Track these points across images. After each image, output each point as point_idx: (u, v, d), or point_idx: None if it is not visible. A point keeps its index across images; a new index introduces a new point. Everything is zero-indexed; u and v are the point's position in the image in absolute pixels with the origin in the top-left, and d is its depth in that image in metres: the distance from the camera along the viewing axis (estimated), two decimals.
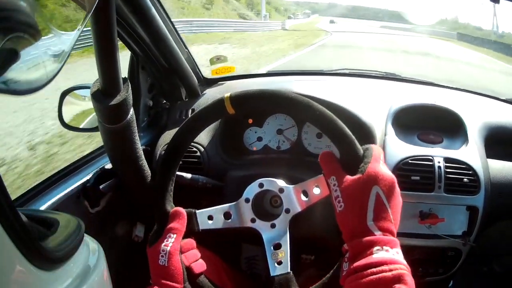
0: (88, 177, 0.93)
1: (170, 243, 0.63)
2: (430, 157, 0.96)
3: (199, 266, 0.67)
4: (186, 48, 1.16)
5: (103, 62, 0.73)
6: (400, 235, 0.55)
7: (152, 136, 1.15)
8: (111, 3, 0.66)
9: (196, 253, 0.68)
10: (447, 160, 0.96)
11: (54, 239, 0.41)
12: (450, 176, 0.95)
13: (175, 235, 0.65)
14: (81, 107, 1.00)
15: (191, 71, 1.19)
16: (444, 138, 1.04)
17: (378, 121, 1.05)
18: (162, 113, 1.22)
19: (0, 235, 0.33)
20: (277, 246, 0.66)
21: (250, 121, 1.14)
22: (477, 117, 1.08)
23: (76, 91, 0.98)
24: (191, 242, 0.68)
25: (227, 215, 0.69)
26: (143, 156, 0.92)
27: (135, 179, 0.93)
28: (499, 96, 1.27)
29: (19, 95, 0.34)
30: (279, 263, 0.64)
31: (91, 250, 0.48)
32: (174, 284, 0.61)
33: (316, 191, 0.64)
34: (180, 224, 0.66)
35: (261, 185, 0.69)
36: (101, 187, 0.92)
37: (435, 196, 0.95)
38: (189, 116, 1.15)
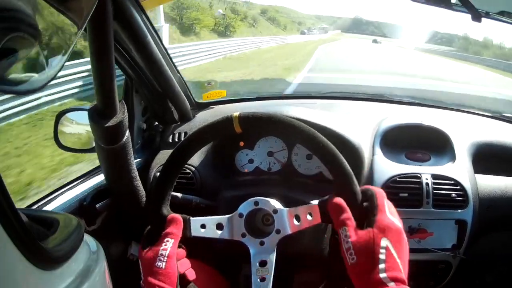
0: (84, 195, 0.93)
1: (168, 247, 0.64)
2: (418, 175, 0.99)
3: (191, 274, 0.68)
4: (179, 72, 1.20)
5: (101, 84, 0.76)
6: None
7: (146, 158, 1.17)
8: (109, 27, 0.70)
9: (187, 262, 0.69)
10: (434, 176, 0.99)
11: (54, 239, 0.41)
12: (438, 192, 0.97)
13: (172, 240, 0.65)
14: (78, 128, 1.02)
15: (183, 95, 1.22)
16: (432, 156, 1.07)
17: (367, 141, 1.09)
18: (155, 135, 1.24)
19: (0, 235, 0.33)
20: (263, 263, 0.67)
21: (242, 143, 1.16)
22: (464, 134, 1.11)
23: (73, 113, 1.00)
24: (182, 251, 0.69)
25: (219, 226, 0.70)
26: (138, 177, 0.94)
27: (130, 199, 0.95)
28: (486, 113, 1.31)
29: (19, 95, 0.35)
30: (262, 279, 0.65)
31: (91, 249, 0.49)
32: (168, 286, 0.61)
33: (309, 217, 0.65)
34: (177, 230, 0.67)
35: (256, 203, 0.70)
36: (97, 206, 0.93)
37: (423, 211, 0.97)
38: (182, 138, 1.17)
